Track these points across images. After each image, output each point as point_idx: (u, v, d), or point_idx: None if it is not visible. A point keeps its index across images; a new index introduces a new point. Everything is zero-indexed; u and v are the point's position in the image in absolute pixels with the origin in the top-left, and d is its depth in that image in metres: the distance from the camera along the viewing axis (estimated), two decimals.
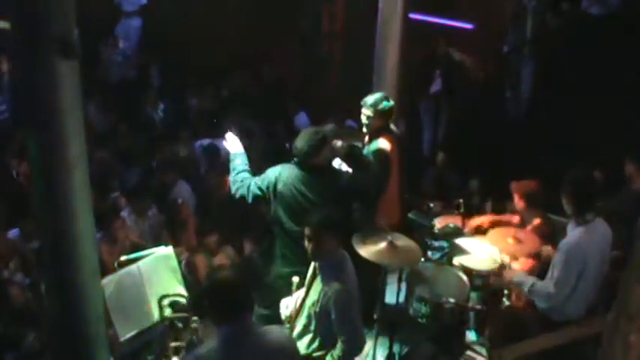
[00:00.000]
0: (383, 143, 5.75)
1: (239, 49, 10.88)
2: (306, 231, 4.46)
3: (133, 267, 4.86)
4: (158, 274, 4.94)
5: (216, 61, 10.70)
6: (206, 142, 8.72)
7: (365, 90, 5.98)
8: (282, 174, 5.24)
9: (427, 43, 9.44)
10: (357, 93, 5.98)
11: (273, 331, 3.87)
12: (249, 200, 5.33)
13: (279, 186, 5.20)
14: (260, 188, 5.28)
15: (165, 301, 4.88)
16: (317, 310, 4.46)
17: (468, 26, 9.75)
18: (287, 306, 4.89)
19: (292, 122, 9.04)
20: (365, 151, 5.83)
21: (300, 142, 5.13)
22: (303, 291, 4.73)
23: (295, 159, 5.20)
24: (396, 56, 6.76)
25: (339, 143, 5.65)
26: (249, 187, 5.30)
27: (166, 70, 10.63)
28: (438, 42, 9.46)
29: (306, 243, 4.47)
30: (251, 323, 3.68)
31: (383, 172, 5.64)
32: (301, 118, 9.14)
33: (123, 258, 4.95)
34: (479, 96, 9.14)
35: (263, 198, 5.28)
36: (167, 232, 6.90)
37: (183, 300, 4.95)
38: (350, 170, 5.50)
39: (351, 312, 4.38)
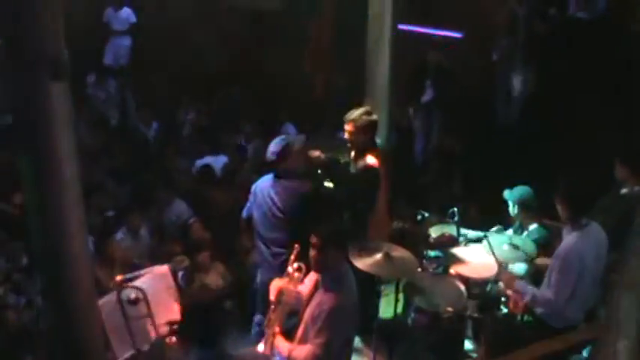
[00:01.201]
0: (371, 160, 5.70)
1: (228, 62, 10.83)
2: (313, 239, 4.42)
3: (129, 287, 4.76)
4: (155, 294, 4.84)
5: (206, 75, 10.67)
6: (203, 161, 8.62)
7: (356, 101, 5.98)
8: (261, 181, 5.53)
9: (417, 53, 9.43)
10: (348, 104, 5.98)
11: (247, 356, 3.80)
12: (244, 214, 5.57)
13: (257, 192, 5.50)
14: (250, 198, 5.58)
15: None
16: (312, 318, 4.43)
17: (457, 35, 9.77)
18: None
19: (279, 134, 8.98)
20: (352, 169, 5.79)
21: (268, 149, 5.35)
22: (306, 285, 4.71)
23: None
24: (386, 67, 6.75)
25: (315, 154, 5.70)
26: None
27: (157, 86, 10.59)
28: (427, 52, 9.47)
29: (311, 252, 4.43)
30: (225, 349, 3.65)
31: (373, 191, 5.69)
32: (288, 129, 9.04)
33: (119, 278, 4.90)
34: (470, 104, 9.10)
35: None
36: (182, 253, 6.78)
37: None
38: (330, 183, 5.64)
39: (335, 330, 4.28)
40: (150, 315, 4.61)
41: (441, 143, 9.14)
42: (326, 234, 4.37)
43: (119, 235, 6.95)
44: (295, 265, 4.68)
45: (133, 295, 4.57)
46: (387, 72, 6.75)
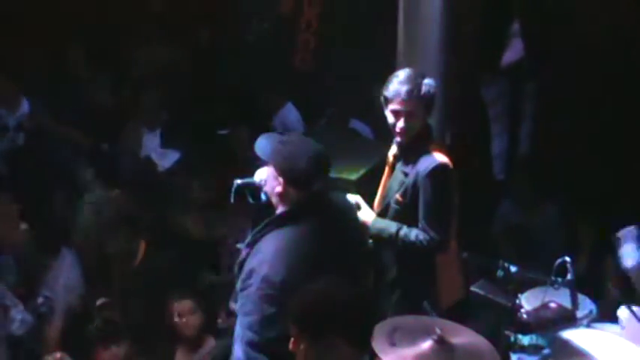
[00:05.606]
0: (442, 157, 4.10)
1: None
2: (292, 330, 3.59)
3: None
4: None
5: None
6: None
7: (371, 73, 4.59)
8: None
9: None
10: (356, 75, 5.19)
11: None
12: None
13: None
14: None
15: None
16: None
17: None
18: None
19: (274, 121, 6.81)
20: (401, 179, 4.21)
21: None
22: None
23: None
24: (437, 5, 4.74)
25: None
26: None
27: None
28: None
29: (291, 345, 3.52)
30: None
31: (447, 208, 4.14)
32: (289, 113, 6.99)
33: None
34: (602, 71, 6.14)
35: None
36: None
37: None
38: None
39: None
40: None
41: (539, 141, 6.78)
42: (320, 313, 2.97)
43: None
44: None
45: None
46: (439, 12, 4.77)
